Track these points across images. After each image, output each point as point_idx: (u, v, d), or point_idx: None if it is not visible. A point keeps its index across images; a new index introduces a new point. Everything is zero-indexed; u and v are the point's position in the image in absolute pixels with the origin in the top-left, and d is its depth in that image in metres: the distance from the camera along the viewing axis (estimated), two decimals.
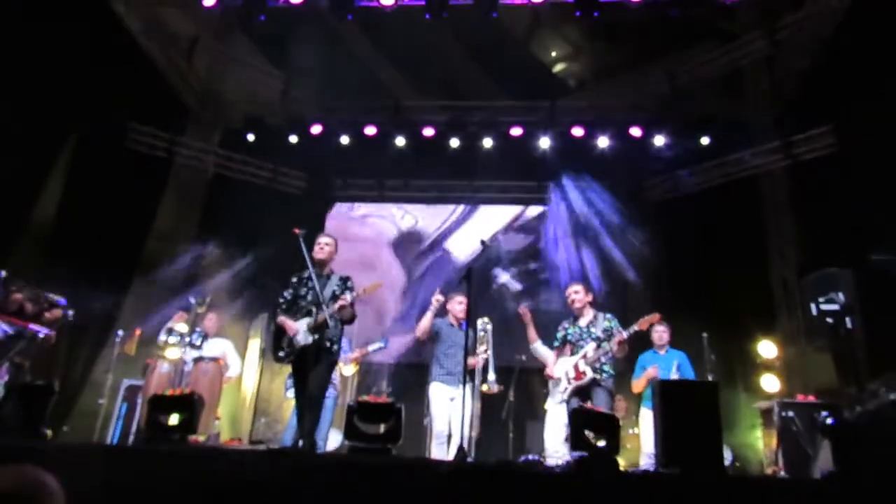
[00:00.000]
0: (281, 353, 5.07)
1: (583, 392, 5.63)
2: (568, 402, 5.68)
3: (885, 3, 7.20)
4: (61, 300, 5.93)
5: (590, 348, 5.70)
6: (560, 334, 6.04)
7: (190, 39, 10.22)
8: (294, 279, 5.29)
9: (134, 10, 9.44)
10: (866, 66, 7.57)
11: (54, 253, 7.94)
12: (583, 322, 5.91)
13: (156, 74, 10.05)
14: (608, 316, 5.91)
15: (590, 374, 5.61)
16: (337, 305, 4.96)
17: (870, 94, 7.26)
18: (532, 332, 6.35)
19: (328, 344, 4.97)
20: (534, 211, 11.18)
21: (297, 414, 5.19)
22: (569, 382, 5.72)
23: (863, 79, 7.60)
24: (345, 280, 5.25)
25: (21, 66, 7.38)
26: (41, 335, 5.29)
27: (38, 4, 7.42)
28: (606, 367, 5.71)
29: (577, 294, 5.97)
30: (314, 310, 4.97)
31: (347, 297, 5.01)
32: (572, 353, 5.86)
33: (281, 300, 5.22)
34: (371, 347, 7.69)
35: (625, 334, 5.64)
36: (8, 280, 5.21)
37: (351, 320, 5.22)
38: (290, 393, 6.09)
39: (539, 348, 6.32)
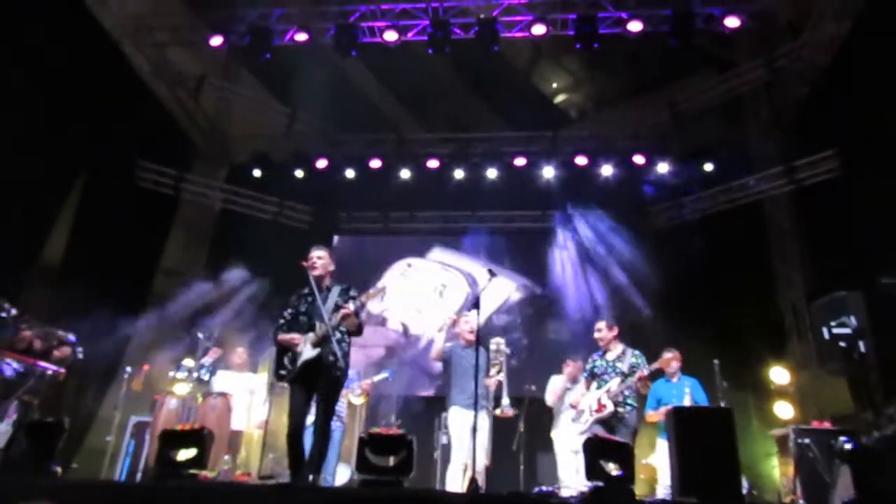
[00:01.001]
0: (282, 372, 4.79)
1: (604, 425, 5.76)
2: (587, 433, 5.70)
3: (882, 31, 7.33)
4: (71, 337, 5.92)
5: (614, 383, 5.85)
6: (588, 366, 6.25)
7: (197, 78, 10.41)
8: (293, 297, 5.07)
9: (142, 51, 9.66)
10: (866, 91, 7.65)
11: (63, 290, 7.97)
12: (610, 356, 6.08)
13: (163, 113, 10.24)
14: (636, 353, 6.04)
15: (610, 407, 5.74)
16: (339, 315, 4.73)
17: (871, 118, 7.32)
18: None
19: (332, 358, 4.65)
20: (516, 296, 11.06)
21: (290, 437, 4.64)
22: (591, 414, 5.88)
23: (863, 103, 7.67)
24: (346, 290, 5.02)
25: (31, 106, 7.51)
26: (50, 373, 5.28)
27: (49, 47, 7.58)
28: (629, 401, 5.83)
29: (599, 332, 6.18)
30: (317, 323, 4.75)
31: (350, 306, 4.79)
32: (598, 387, 5.99)
33: (281, 321, 4.98)
34: (377, 378, 7.65)
35: (646, 371, 5.80)
36: (18, 318, 5.22)
37: (358, 330, 4.94)
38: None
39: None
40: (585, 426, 5.88)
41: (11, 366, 5.03)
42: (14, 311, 5.07)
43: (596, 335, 6.18)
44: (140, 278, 9.22)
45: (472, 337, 6.11)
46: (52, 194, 8.70)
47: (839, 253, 7.86)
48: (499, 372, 6.13)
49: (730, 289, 9.20)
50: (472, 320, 6.26)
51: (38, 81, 7.41)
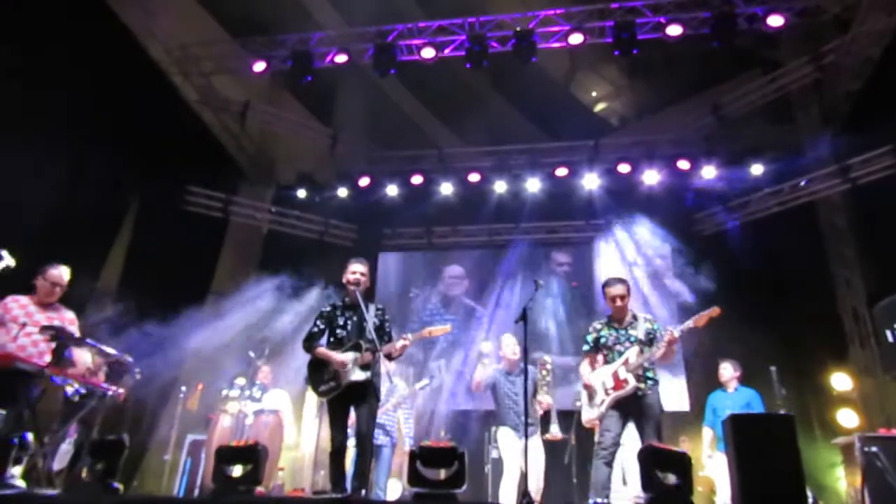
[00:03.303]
0: (324, 388, 4.74)
1: (624, 406, 4.89)
2: (605, 414, 4.93)
3: None
4: (128, 358, 6.08)
5: (632, 353, 4.94)
6: (591, 336, 5.22)
7: (242, 103, 10.72)
8: (327, 309, 5.04)
9: (189, 80, 10.01)
10: None
11: (120, 313, 8.24)
12: (620, 324, 5.15)
13: (210, 138, 10.56)
14: (648, 317, 5.21)
15: (632, 383, 4.83)
16: (399, 345, 4.79)
17: None
18: None
19: (377, 379, 4.76)
20: None
21: (335, 454, 4.65)
22: (606, 393, 4.94)
23: None
24: (382, 311, 5.05)
25: (84, 138, 7.83)
26: (111, 393, 5.42)
27: (101, 80, 7.89)
28: (651, 374, 4.95)
29: (622, 299, 5.11)
30: (364, 343, 4.76)
31: (410, 336, 4.88)
32: (606, 360, 5.09)
33: (315, 330, 4.92)
34: (419, 385, 7.63)
35: (677, 332, 4.83)
36: (81, 342, 5.39)
37: (399, 357, 4.99)
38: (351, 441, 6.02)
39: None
40: (602, 408, 4.94)
41: (74, 386, 5.18)
42: (77, 334, 5.24)
43: (619, 302, 5.08)
44: (193, 300, 9.45)
45: (514, 358, 6.08)
46: (107, 222, 9.04)
47: None
48: (546, 393, 5.97)
49: (785, 293, 8.91)
50: (510, 342, 6.22)
51: (92, 114, 7.72)
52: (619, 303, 5.10)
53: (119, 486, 4.34)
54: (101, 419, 5.66)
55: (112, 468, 4.30)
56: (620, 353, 4.98)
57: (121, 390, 5.67)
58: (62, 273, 5.25)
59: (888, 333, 5.67)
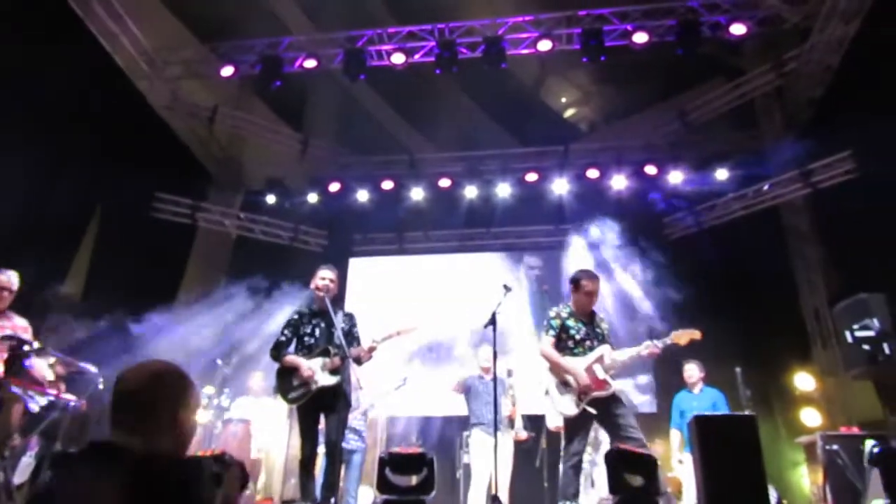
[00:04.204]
0: (293, 395, 4.72)
1: (601, 403, 4.67)
2: (583, 414, 4.67)
3: (891, 30, 7.29)
4: (91, 369, 5.95)
5: (605, 351, 4.82)
6: (556, 322, 4.96)
7: (210, 108, 10.59)
8: (294, 317, 5.03)
9: (156, 84, 9.87)
10: (878, 90, 7.59)
11: (84, 322, 8.07)
12: (587, 319, 5.01)
13: (178, 144, 10.42)
14: (600, 315, 5.14)
15: (612, 386, 4.68)
16: (367, 348, 4.78)
17: (884, 117, 7.25)
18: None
19: (347, 385, 4.75)
20: None
21: (305, 463, 4.60)
22: (582, 391, 4.66)
23: (875, 102, 7.61)
24: (350, 317, 5.07)
25: (47, 144, 7.67)
26: (73, 405, 5.31)
27: (65, 86, 7.75)
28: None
29: (595, 295, 5.01)
30: (332, 349, 4.75)
31: (378, 338, 4.86)
32: (572, 353, 4.86)
33: (283, 338, 4.91)
34: (392, 387, 7.59)
35: (660, 345, 4.76)
36: (40, 351, 5.27)
37: (367, 361, 4.97)
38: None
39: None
40: (575, 407, 4.66)
41: (35, 399, 5.06)
42: (36, 345, 5.12)
43: (593, 298, 4.97)
44: (160, 307, 9.30)
45: (487, 366, 6.18)
46: (72, 228, 8.86)
47: (860, 254, 7.74)
48: (513, 404, 6.23)
49: (750, 296, 9.08)
50: (488, 351, 6.30)
51: (54, 119, 7.58)
52: (593, 298, 5.00)
53: None
54: (65, 431, 5.53)
55: None
56: (591, 349, 4.84)
57: (83, 401, 5.56)
58: (10, 278, 5.08)
59: (848, 334, 5.82)
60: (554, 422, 5.12)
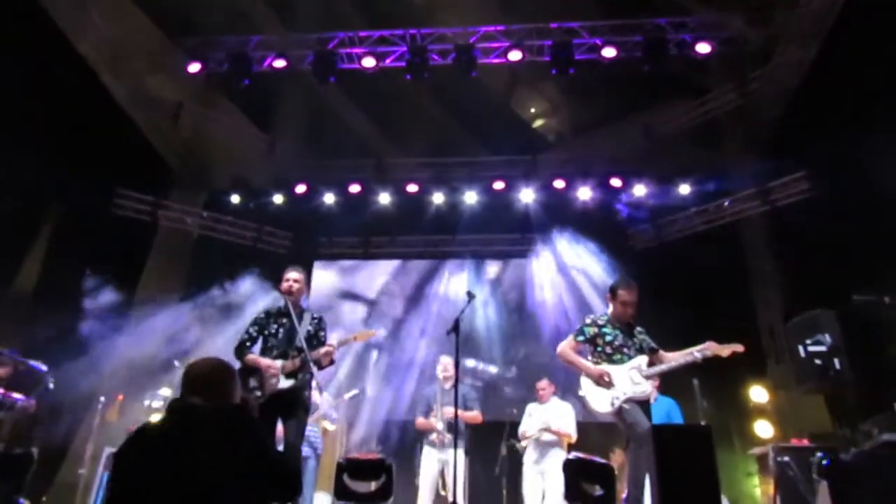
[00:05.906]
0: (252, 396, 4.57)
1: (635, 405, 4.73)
2: (622, 408, 4.69)
3: (847, 55, 7.56)
4: (41, 367, 5.78)
5: (643, 361, 4.85)
6: (589, 329, 4.98)
7: (175, 104, 10.38)
8: (262, 315, 4.94)
9: (119, 78, 9.64)
10: (834, 113, 7.86)
11: (35, 320, 7.83)
12: (626, 328, 5.02)
13: (141, 140, 10.19)
14: (640, 329, 5.13)
15: (655, 393, 4.78)
16: (323, 351, 4.67)
17: (839, 140, 7.51)
18: None
19: (307, 392, 4.68)
20: None
21: None
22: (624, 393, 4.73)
23: (831, 125, 7.87)
24: (318, 320, 4.97)
25: (2, 136, 7.44)
26: (20, 404, 5.15)
27: (24, 76, 7.54)
28: None
29: (634, 306, 4.99)
30: (291, 351, 4.68)
31: (334, 342, 4.78)
32: (611, 360, 4.86)
33: (246, 337, 4.81)
34: (347, 395, 7.53)
35: (699, 358, 4.90)
36: None
37: (329, 365, 4.87)
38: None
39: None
40: (616, 402, 4.69)
41: None
42: None
43: (629, 308, 4.97)
44: (116, 307, 9.08)
45: (447, 374, 6.31)
46: (24, 224, 8.60)
47: (814, 272, 7.97)
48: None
49: (709, 309, 9.24)
50: (447, 363, 6.42)
51: (11, 109, 7.35)
52: (629, 309, 4.99)
53: (25, 502, 4.12)
54: (10, 432, 5.36)
55: (18, 484, 4.07)
56: (629, 357, 4.86)
57: (32, 400, 5.40)
58: None
59: (800, 349, 5.97)
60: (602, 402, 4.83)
